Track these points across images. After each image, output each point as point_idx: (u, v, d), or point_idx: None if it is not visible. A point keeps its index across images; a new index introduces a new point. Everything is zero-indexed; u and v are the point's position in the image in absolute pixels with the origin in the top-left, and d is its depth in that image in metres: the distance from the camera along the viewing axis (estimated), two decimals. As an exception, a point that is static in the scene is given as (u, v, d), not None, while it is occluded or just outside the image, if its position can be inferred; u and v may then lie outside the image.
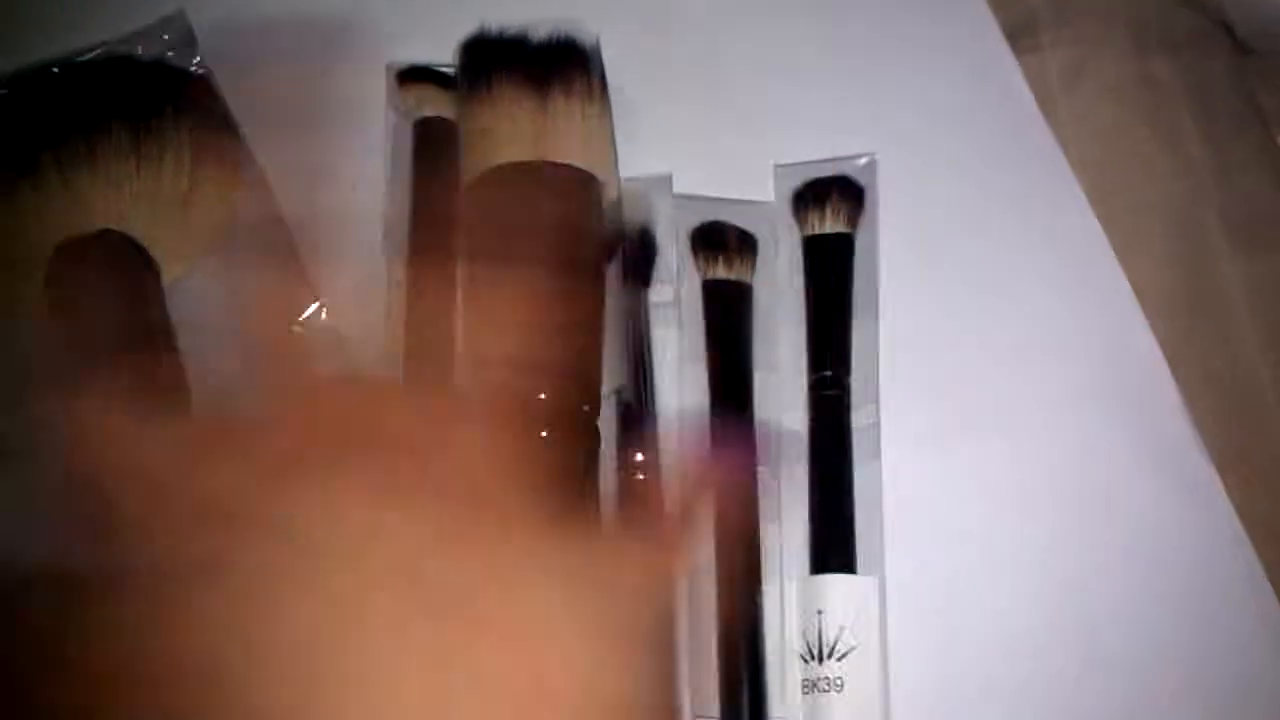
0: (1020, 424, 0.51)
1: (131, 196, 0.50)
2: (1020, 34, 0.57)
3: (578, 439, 0.46)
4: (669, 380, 0.50)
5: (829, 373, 0.51)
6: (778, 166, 0.54)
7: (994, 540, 0.49)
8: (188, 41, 0.53)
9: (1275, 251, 0.55)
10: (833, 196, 0.53)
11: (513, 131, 0.48)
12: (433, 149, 0.52)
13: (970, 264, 0.53)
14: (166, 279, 0.50)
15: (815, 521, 0.49)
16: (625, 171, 0.51)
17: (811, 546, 0.49)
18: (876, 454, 0.50)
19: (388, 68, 0.53)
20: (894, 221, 0.54)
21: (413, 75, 0.54)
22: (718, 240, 0.53)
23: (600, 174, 0.49)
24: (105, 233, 0.49)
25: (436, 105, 0.53)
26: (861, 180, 0.53)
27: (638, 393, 0.49)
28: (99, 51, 0.53)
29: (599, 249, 0.49)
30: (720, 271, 0.52)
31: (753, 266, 0.53)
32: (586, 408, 0.47)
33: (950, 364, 0.52)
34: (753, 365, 0.51)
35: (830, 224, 0.52)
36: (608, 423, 0.48)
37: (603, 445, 0.47)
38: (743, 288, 0.52)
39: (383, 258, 0.50)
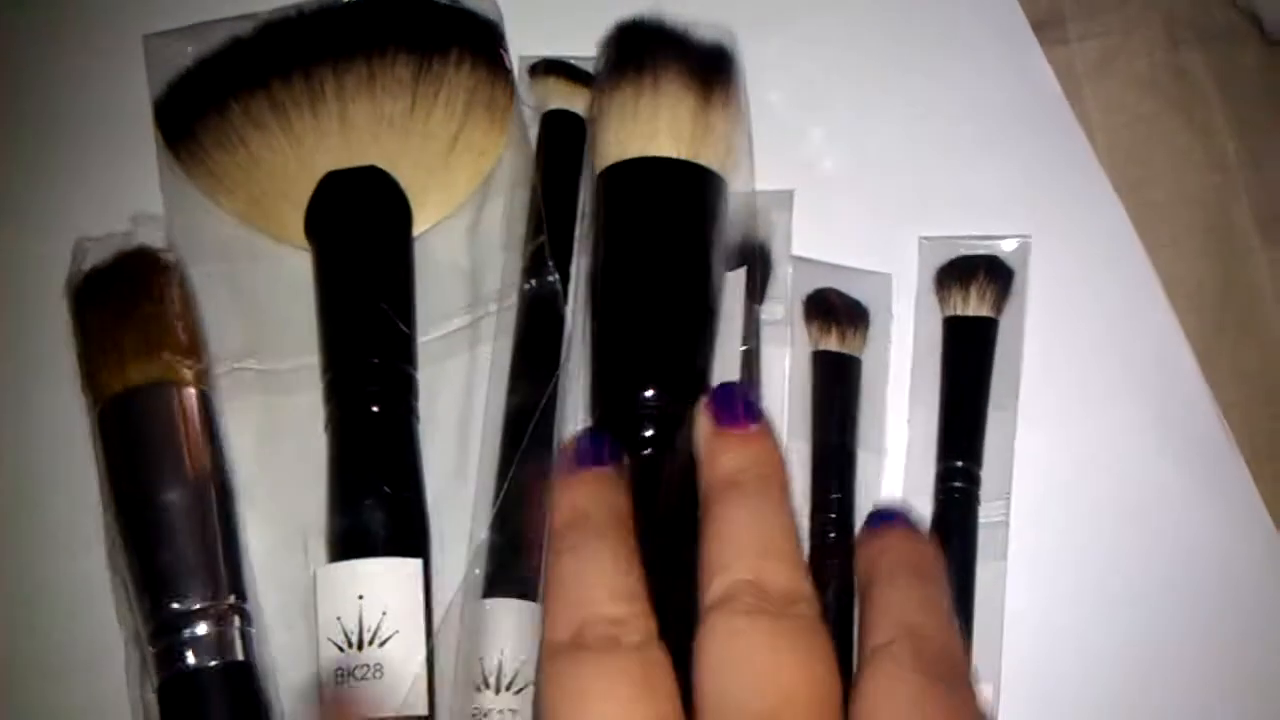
0: (1052, 416, 0.51)
1: (402, 134, 0.50)
2: (1048, 26, 0.57)
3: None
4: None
5: (960, 463, 0.49)
6: (922, 240, 0.53)
7: (1032, 527, 0.49)
8: (486, -13, 0.54)
9: None
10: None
11: (673, 126, 0.46)
12: (560, 142, 0.51)
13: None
14: (416, 230, 0.50)
15: None
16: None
17: None
18: (1003, 554, 0.49)
19: (519, 60, 0.53)
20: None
21: (543, 68, 0.53)
22: (828, 309, 0.51)
23: (739, 188, 0.48)
24: (370, 170, 0.50)
25: (566, 98, 0.52)
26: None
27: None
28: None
29: (727, 261, 0.47)
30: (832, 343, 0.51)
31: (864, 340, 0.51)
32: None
33: None
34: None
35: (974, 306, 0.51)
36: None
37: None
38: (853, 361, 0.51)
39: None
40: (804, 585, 0.37)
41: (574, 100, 0.52)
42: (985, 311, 0.51)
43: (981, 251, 0.52)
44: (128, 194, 0.51)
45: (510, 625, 0.45)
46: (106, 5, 0.56)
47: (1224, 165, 0.55)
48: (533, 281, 0.49)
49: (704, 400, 0.40)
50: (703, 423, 0.40)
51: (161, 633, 0.43)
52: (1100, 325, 0.52)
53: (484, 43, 0.52)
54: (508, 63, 0.52)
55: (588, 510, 0.38)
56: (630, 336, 0.44)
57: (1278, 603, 0.49)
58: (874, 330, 0.51)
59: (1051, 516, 0.49)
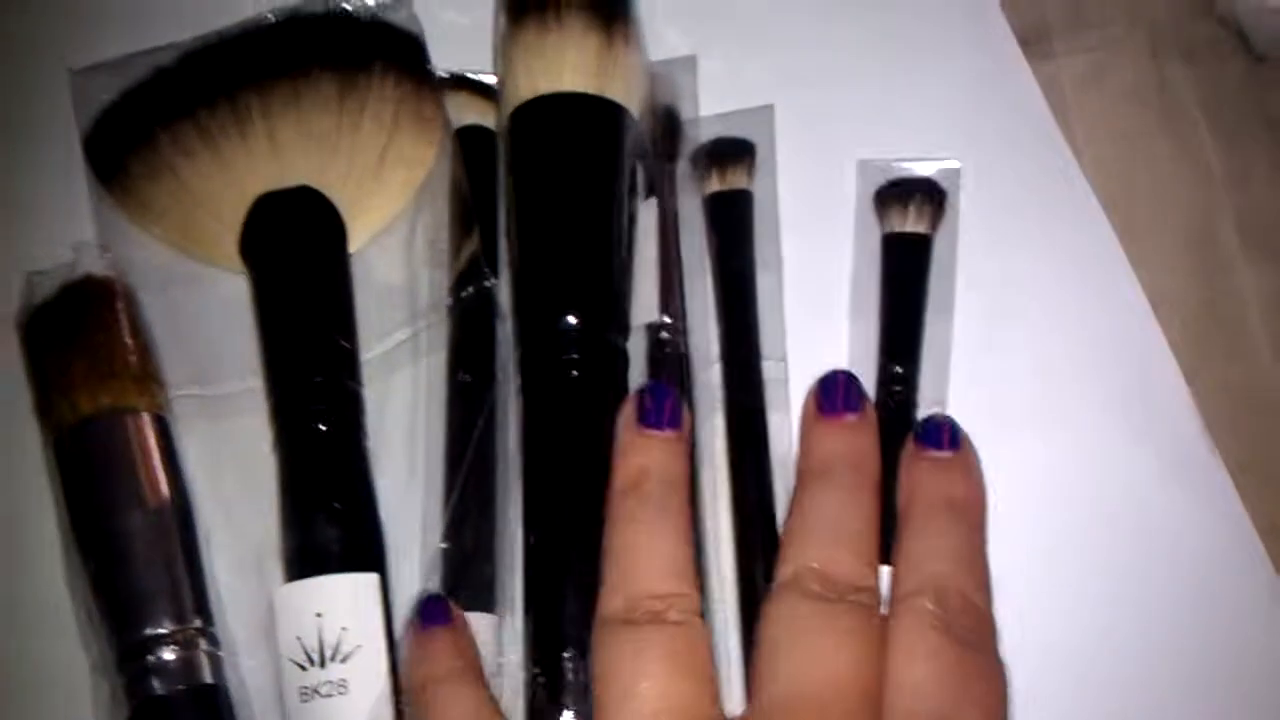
0: (1037, 428, 0.52)
1: (332, 151, 0.52)
2: (1034, 40, 0.58)
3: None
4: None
5: (899, 369, 0.51)
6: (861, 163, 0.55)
7: (1017, 539, 0.48)
8: (403, -1, 0.55)
9: None
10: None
11: (580, 62, 0.49)
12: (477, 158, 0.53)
13: (981, 267, 0.54)
14: (352, 247, 0.52)
15: None
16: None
17: None
18: None
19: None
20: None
21: (451, 83, 0.54)
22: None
23: (641, 120, 0.51)
24: (302, 190, 0.51)
25: (479, 113, 0.54)
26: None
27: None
28: (313, 3, 0.54)
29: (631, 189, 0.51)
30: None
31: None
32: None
33: (964, 371, 0.52)
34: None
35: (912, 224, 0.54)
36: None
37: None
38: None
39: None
40: (868, 577, 0.40)
41: (485, 115, 0.53)
42: (923, 229, 0.53)
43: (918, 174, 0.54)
44: (70, 223, 0.53)
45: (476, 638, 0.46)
46: (31, 37, 0.58)
47: (1209, 180, 0.56)
48: (468, 289, 0.50)
49: (811, 386, 0.44)
50: (806, 407, 0.44)
51: (127, 660, 0.44)
52: (1085, 336, 0.53)
53: (407, 56, 0.54)
54: (432, 74, 0.54)
55: (649, 477, 0.42)
56: (548, 267, 0.48)
57: (1258, 610, 0.50)
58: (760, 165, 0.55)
59: (1030, 528, 0.50)
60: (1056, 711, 0.48)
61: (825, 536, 0.41)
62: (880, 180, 0.54)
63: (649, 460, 0.42)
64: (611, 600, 0.40)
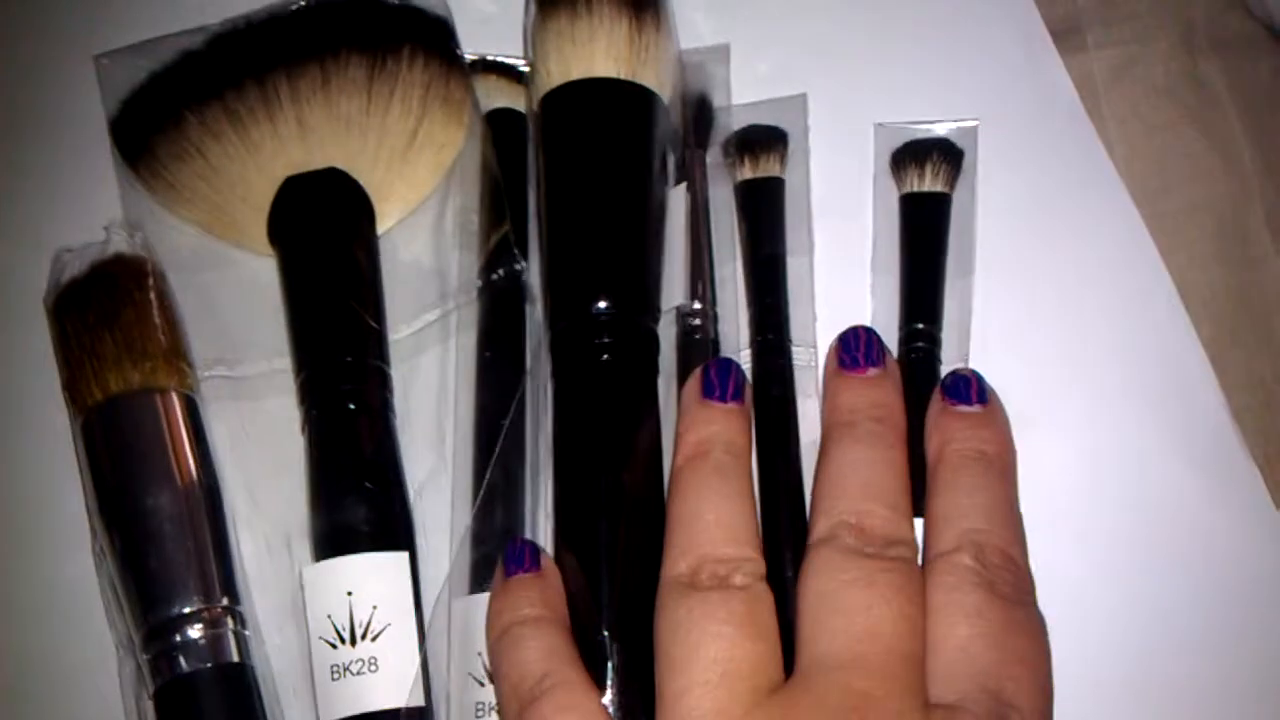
0: (1069, 413, 0.52)
1: (360, 133, 0.52)
2: (1066, 34, 0.58)
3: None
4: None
5: (921, 325, 0.51)
6: (878, 126, 0.55)
7: (1040, 527, 0.48)
8: (432, -17, 0.55)
9: None
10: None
11: (611, 48, 0.49)
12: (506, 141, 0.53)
13: (1014, 260, 0.54)
14: (380, 229, 0.52)
15: None
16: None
17: None
18: None
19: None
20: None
21: (481, 67, 0.55)
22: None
23: (670, 105, 0.51)
24: (331, 172, 0.51)
25: (509, 97, 0.54)
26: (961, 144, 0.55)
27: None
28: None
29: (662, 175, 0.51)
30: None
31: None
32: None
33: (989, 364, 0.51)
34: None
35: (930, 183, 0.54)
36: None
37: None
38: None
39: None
40: (904, 530, 0.40)
41: (515, 98, 0.54)
42: (940, 187, 0.53)
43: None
44: (103, 203, 0.53)
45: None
46: (64, 21, 0.58)
47: (1240, 173, 0.56)
48: (499, 271, 0.50)
49: (832, 342, 0.44)
50: (828, 363, 0.44)
51: (154, 638, 0.44)
52: (1114, 328, 0.53)
53: (436, 38, 0.54)
54: (461, 57, 0.54)
55: (713, 446, 0.42)
56: (580, 251, 0.48)
57: None
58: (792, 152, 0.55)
59: (1053, 519, 0.49)
60: (1085, 691, 0.47)
61: (856, 490, 0.41)
62: (896, 142, 0.55)
63: (712, 431, 0.43)
64: (676, 565, 0.40)
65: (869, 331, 0.45)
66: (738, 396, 0.43)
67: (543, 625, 0.41)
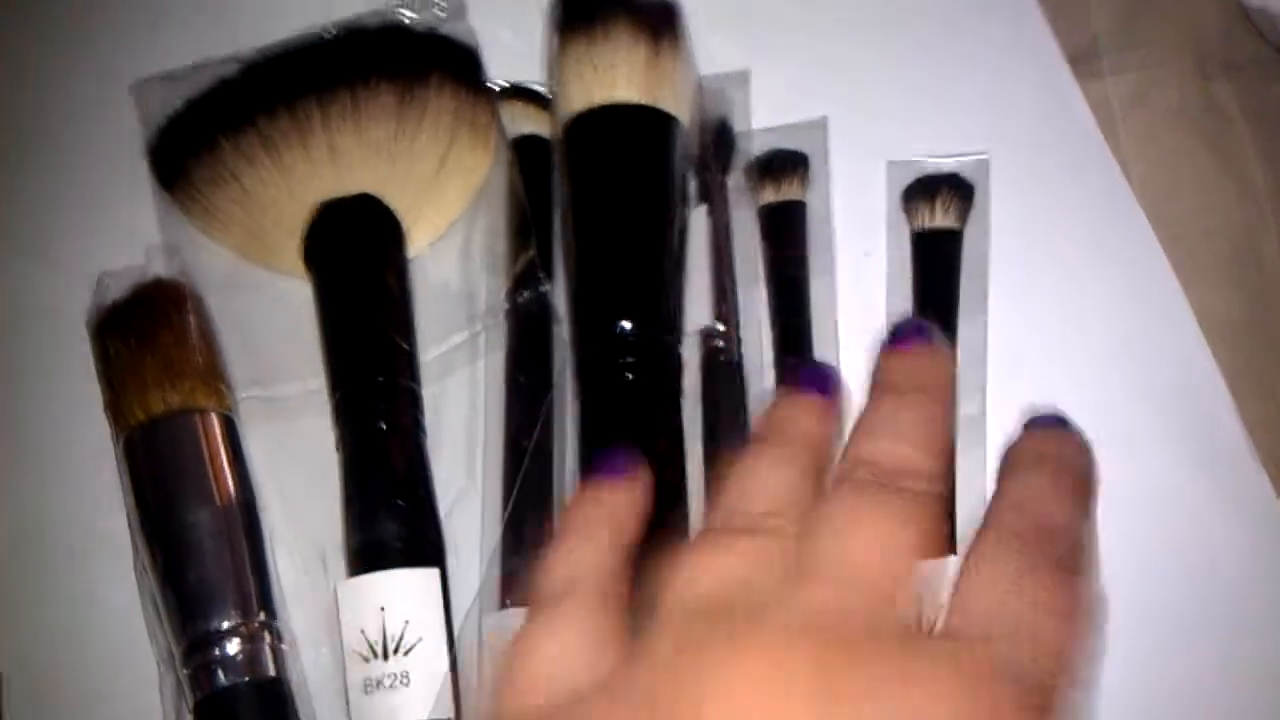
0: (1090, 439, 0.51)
1: (390, 159, 0.53)
2: (1083, 60, 0.58)
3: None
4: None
5: None
6: (889, 163, 0.56)
7: None
8: (459, 11, 0.56)
9: None
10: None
11: (630, 74, 0.50)
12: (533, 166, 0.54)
13: (1033, 285, 0.55)
14: (411, 252, 0.53)
15: None
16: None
17: None
18: (982, 442, 0.51)
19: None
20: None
21: (509, 93, 0.56)
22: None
23: (689, 129, 0.52)
24: (363, 198, 0.52)
25: (535, 123, 0.55)
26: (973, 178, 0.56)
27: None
28: (372, 16, 0.56)
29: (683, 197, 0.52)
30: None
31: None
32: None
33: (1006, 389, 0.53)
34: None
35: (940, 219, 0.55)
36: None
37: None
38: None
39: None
40: (923, 462, 0.38)
41: (541, 124, 0.55)
42: (951, 223, 0.54)
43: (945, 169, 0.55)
44: (142, 228, 0.54)
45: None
46: (103, 50, 0.60)
47: (1254, 197, 0.57)
48: (525, 293, 0.52)
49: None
50: (880, 346, 0.42)
51: (194, 652, 0.45)
52: (1133, 351, 0.54)
53: (463, 66, 0.55)
54: (488, 84, 0.55)
55: (787, 426, 0.40)
56: (604, 273, 0.50)
57: None
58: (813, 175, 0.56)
59: None
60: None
61: (882, 433, 0.39)
62: (908, 178, 0.56)
63: (791, 415, 0.41)
64: (710, 518, 0.38)
65: (921, 320, 0.45)
66: (826, 391, 0.41)
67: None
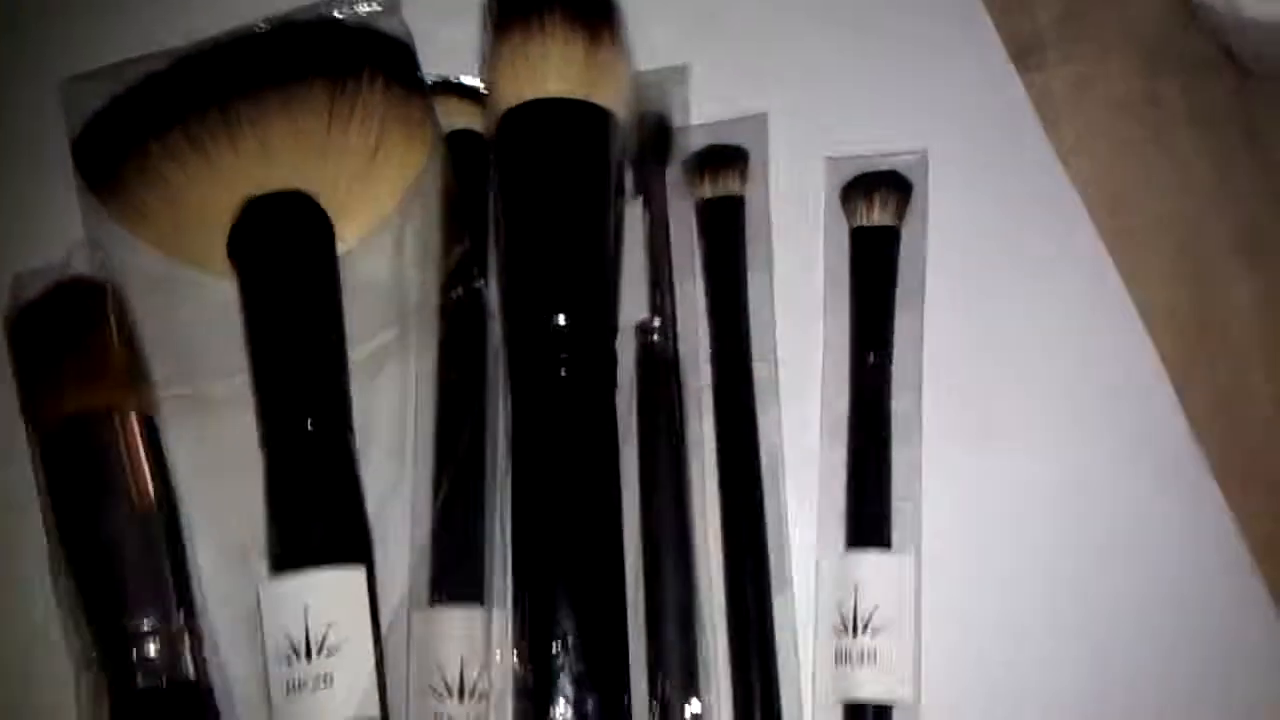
0: (1032, 433, 0.53)
1: (321, 154, 0.53)
2: (1025, 53, 0.59)
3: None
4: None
5: (872, 356, 0.52)
6: (828, 159, 0.56)
7: (1003, 550, 0.51)
8: (393, 6, 0.56)
9: (1278, 272, 0.56)
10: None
11: (564, 68, 0.50)
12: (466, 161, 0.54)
13: (973, 280, 0.55)
14: (341, 248, 0.53)
15: (853, 498, 0.51)
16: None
17: (848, 523, 0.51)
18: (918, 439, 0.52)
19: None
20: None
21: (441, 88, 0.56)
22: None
23: (625, 122, 0.52)
24: (290, 193, 0.52)
25: (467, 118, 0.55)
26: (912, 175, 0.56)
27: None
28: (305, 11, 0.56)
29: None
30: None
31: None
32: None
33: (958, 375, 0.53)
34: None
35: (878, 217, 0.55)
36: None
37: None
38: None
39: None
40: None
41: (475, 119, 0.55)
42: (888, 220, 0.54)
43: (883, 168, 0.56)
44: (65, 225, 0.54)
45: (465, 631, 0.47)
46: (28, 44, 0.60)
47: (1197, 192, 0.57)
48: (458, 289, 0.51)
49: None
50: None
51: (111, 655, 0.45)
52: (1074, 345, 0.54)
53: (397, 62, 0.55)
54: (421, 79, 0.55)
55: None
56: (537, 268, 0.49)
57: (1243, 617, 0.50)
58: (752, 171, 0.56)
59: (1016, 539, 0.52)
60: (1057, 688, 0.49)
61: None
62: (846, 175, 0.56)
63: None
64: None
65: None
66: None
67: None
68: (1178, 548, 0.51)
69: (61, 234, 0.53)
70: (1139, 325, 0.54)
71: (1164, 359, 0.54)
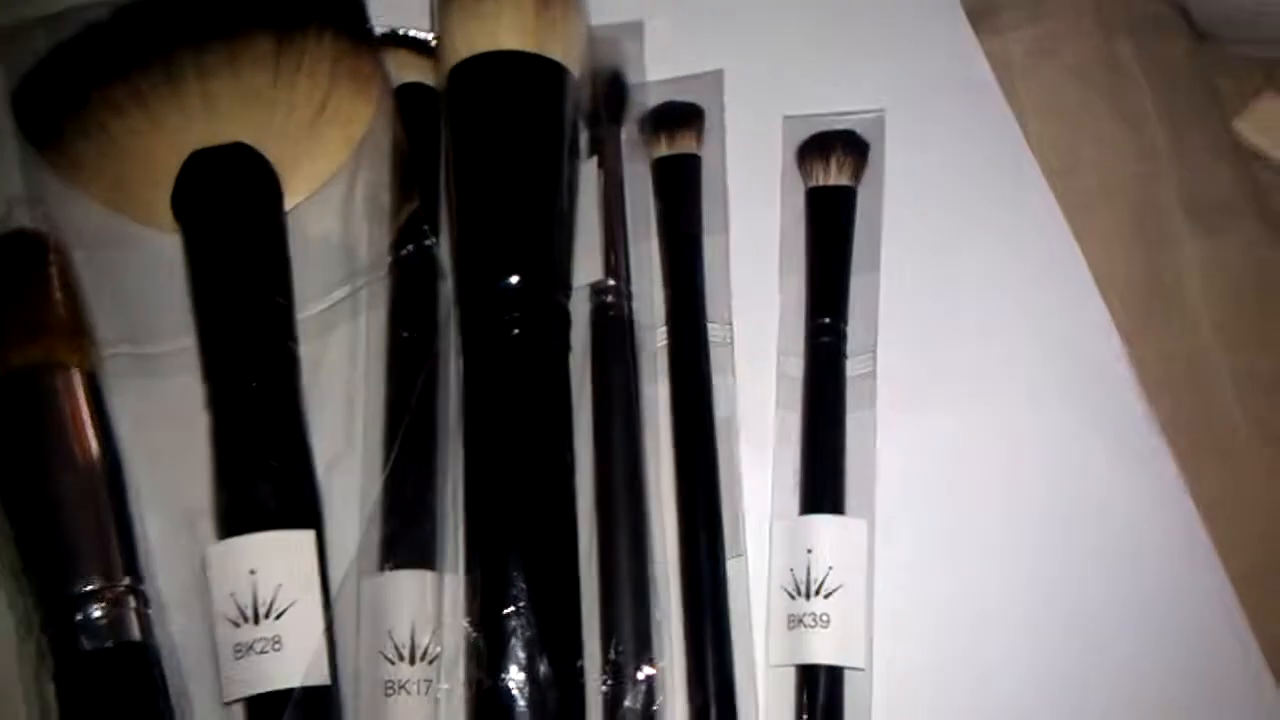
0: (985, 396, 0.53)
1: (267, 107, 0.52)
2: (983, 15, 0.59)
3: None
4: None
5: (827, 320, 0.52)
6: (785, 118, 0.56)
7: (953, 509, 0.52)
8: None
9: (1230, 234, 0.57)
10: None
11: (517, 21, 0.50)
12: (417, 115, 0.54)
13: (928, 244, 0.55)
14: (288, 204, 0.52)
15: (807, 463, 0.51)
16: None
17: (802, 487, 0.50)
18: (872, 403, 0.52)
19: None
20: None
21: (391, 40, 0.55)
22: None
23: (579, 78, 0.52)
24: (235, 146, 0.51)
25: (418, 71, 0.54)
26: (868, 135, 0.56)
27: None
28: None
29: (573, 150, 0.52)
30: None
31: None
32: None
33: (911, 339, 0.53)
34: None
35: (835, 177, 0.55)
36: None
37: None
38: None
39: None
40: None
41: (426, 73, 0.54)
42: (845, 181, 0.54)
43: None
44: (3, 178, 0.53)
45: (416, 595, 0.47)
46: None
47: (1153, 154, 0.58)
48: (408, 247, 0.51)
49: None
50: None
51: (55, 618, 0.44)
52: (1027, 308, 0.54)
53: (345, 13, 0.54)
54: (370, 31, 0.54)
55: None
56: (489, 226, 0.49)
57: (1190, 574, 0.51)
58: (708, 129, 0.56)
59: (966, 499, 0.52)
60: (1012, 643, 0.50)
61: None
62: (803, 134, 0.56)
63: None
64: None
65: None
66: None
67: None
68: (1130, 510, 0.51)
69: (0, 188, 0.52)
70: (1093, 290, 0.55)
71: (1116, 320, 0.54)
